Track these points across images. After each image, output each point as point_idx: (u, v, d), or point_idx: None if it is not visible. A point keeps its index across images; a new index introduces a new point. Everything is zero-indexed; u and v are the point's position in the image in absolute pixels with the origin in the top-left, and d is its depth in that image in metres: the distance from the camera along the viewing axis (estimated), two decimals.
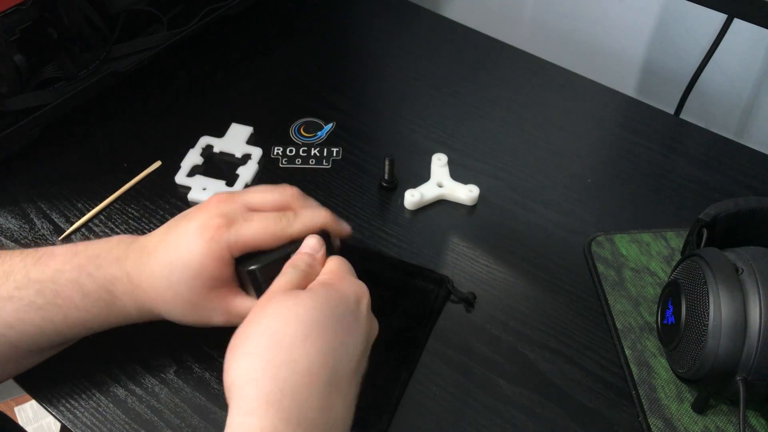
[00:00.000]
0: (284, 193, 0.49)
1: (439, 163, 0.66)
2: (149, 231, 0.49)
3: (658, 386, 0.51)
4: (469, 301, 0.56)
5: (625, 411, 0.50)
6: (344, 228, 0.51)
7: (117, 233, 0.60)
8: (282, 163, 0.67)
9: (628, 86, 0.89)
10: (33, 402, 1.34)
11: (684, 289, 0.48)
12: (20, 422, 1.32)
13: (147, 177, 0.65)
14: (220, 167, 0.66)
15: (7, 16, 0.59)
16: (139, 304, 0.46)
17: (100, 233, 0.60)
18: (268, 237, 0.46)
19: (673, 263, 0.58)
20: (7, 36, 0.59)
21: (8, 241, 0.59)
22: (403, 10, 0.86)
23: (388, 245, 0.60)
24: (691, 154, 0.69)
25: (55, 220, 0.61)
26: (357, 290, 0.44)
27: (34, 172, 0.65)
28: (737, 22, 0.69)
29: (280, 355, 0.39)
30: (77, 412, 0.49)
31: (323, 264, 0.46)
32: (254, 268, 0.45)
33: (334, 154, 0.68)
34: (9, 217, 0.61)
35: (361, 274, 0.57)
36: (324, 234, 0.48)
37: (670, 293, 0.51)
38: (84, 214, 0.61)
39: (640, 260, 0.59)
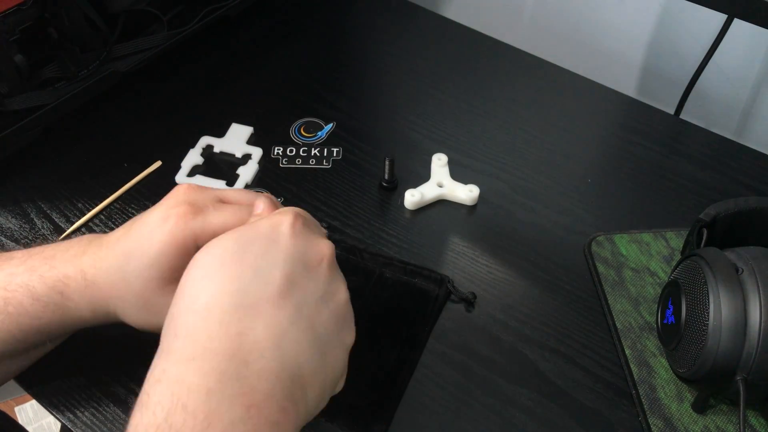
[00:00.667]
0: (258, 195, 0.47)
1: (439, 163, 0.66)
2: None
3: (658, 386, 0.51)
4: (469, 301, 0.56)
5: (625, 411, 0.50)
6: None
7: None
8: (282, 163, 0.67)
9: (628, 86, 0.89)
10: (33, 402, 1.34)
11: (684, 289, 0.48)
12: (20, 422, 1.32)
13: (147, 177, 0.65)
14: (221, 167, 0.66)
15: (7, 16, 0.59)
16: (92, 303, 0.44)
17: (101, 233, 0.60)
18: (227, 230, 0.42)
19: (673, 263, 0.58)
20: (8, 36, 0.59)
21: (9, 241, 0.59)
22: (403, 10, 0.87)
23: (388, 245, 0.60)
24: (691, 154, 0.69)
25: (56, 219, 0.61)
26: (276, 219, 0.41)
27: (34, 172, 0.65)
28: (737, 22, 0.69)
29: (181, 303, 0.38)
30: (77, 412, 0.48)
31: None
32: None
33: (335, 154, 0.68)
34: (9, 217, 0.61)
35: (362, 274, 0.57)
36: None
37: (670, 293, 0.51)
38: (84, 214, 0.61)
39: (640, 260, 0.59)
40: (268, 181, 0.65)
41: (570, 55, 0.85)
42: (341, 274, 0.43)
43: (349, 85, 0.76)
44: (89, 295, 0.44)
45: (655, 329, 0.53)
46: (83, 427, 0.48)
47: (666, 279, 0.56)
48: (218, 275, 0.38)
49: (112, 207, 0.62)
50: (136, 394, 0.49)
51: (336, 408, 0.49)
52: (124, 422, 0.48)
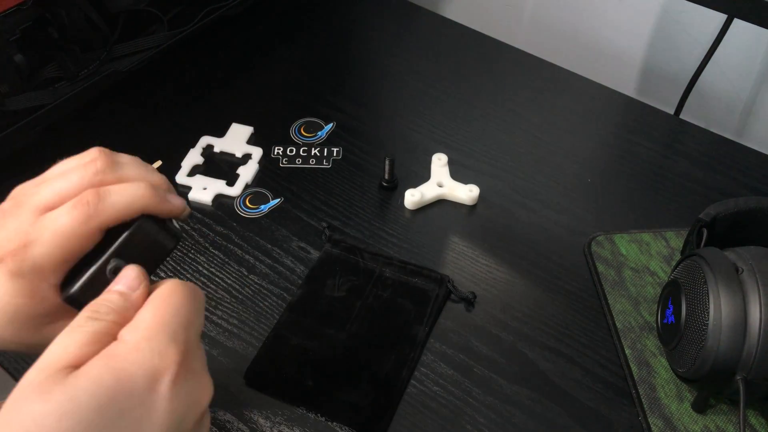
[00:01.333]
0: (86, 169, 0.36)
1: (439, 162, 0.66)
2: None
3: (658, 385, 0.51)
4: (469, 301, 0.56)
5: (625, 410, 0.50)
6: (175, 205, 0.38)
7: None
8: (282, 163, 0.67)
9: (628, 86, 0.89)
10: None
11: (684, 288, 0.48)
12: None
13: None
14: (221, 167, 0.66)
15: (7, 16, 0.59)
16: None
17: None
18: (70, 241, 0.34)
19: (673, 263, 0.58)
20: (8, 36, 0.59)
21: None
22: (403, 10, 0.87)
23: (388, 245, 0.60)
24: (691, 154, 0.69)
25: None
26: (156, 363, 0.30)
27: (34, 172, 0.65)
28: (737, 22, 0.69)
29: None
30: None
31: (140, 305, 0.33)
32: (71, 294, 0.34)
33: (335, 154, 0.68)
34: None
35: (362, 274, 0.57)
36: (147, 220, 0.35)
37: (670, 293, 0.51)
38: None
39: (640, 260, 0.59)
40: (268, 180, 0.65)
41: (570, 55, 0.85)
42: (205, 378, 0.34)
43: (349, 85, 0.76)
44: None
45: (655, 329, 0.53)
46: None
47: (666, 279, 0.56)
48: None
49: None
50: None
51: (336, 407, 0.49)
52: None
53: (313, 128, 0.70)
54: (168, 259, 0.51)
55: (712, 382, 0.47)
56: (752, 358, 0.44)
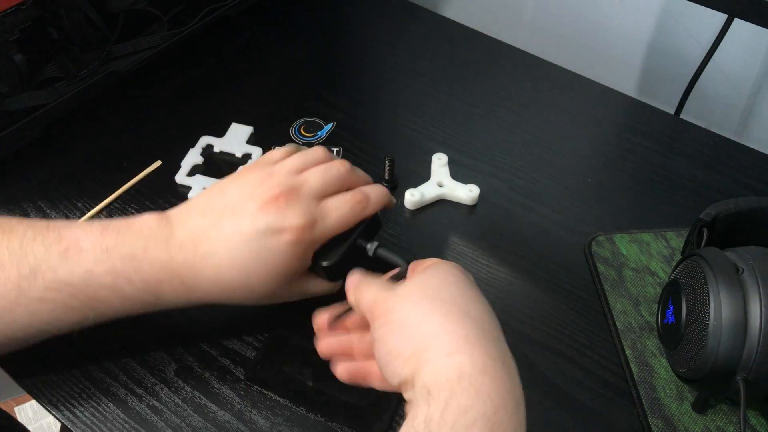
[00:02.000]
0: (339, 170, 0.48)
1: (439, 162, 0.66)
2: None
3: (659, 386, 0.51)
4: None
5: (625, 411, 0.50)
6: (394, 203, 0.53)
7: None
8: None
9: (628, 86, 0.89)
10: (33, 402, 1.34)
11: (684, 288, 0.48)
12: (20, 422, 1.32)
13: (147, 176, 0.65)
14: (221, 167, 0.66)
15: (7, 16, 0.59)
16: (191, 301, 0.46)
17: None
18: (347, 226, 0.47)
19: (673, 263, 0.57)
20: (7, 36, 0.59)
21: None
22: (403, 10, 0.86)
23: (388, 245, 0.60)
24: (691, 154, 0.69)
25: (56, 219, 0.61)
26: (442, 265, 0.44)
27: (34, 172, 0.65)
28: (737, 22, 0.69)
29: (455, 309, 0.40)
30: (77, 412, 0.48)
31: None
32: (329, 264, 0.47)
33: (335, 154, 0.68)
34: None
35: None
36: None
37: (671, 293, 0.51)
38: (84, 214, 0.61)
39: (640, 260, 0.59)
40: None
41: (570, 55, 0.85)
42: None
43: (349, 85, 0.76)
44: (189, 296, 0.46)
45: (655, 329, 0.53)
46: (83, 427, 0.48)
47: (666, 279, 0.56)
48: (476, 298, 0.42)
49: (112, 207, 0.62)
50: (135, 394, 0.49)
51: (336, 408, 0.49)
52: (124, 422, 0.48)
53: (313, 128, 0.70)
54: None
55: (712, 383, 0.47)
56: (752, 358, 0.44)
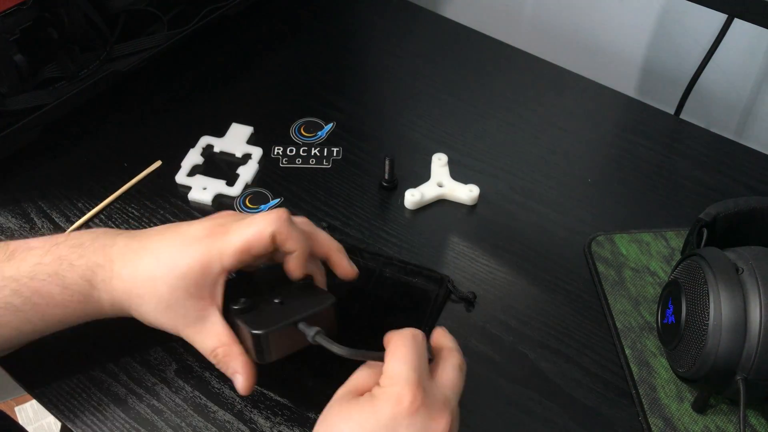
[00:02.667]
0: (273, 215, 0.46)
1: (439, 162, 0.66)
2: None
3: (658, 386, 0.51)
4: (469, 301, 0.56)
5: (625, 410, 0.50)
6: (355, 271, 0.50)
7: None
8: (282, 163, 0.67)
9: (628, 86, 0.89)
10: (33, 402, 1.34)
11: (684, 288, 0.48)
12: (20, 422, 1.32)
13: (147, 176, 0.65)
14: (221, 167, 0.66)
15: (7, 16, 0.59)
16: (113, 296, 0.45)
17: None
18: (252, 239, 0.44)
19: (673, 263, 0.58)
20: (7, 36, 0.59)
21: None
22: (403, 10, 0.87)
23: (388, 245, 0.60)
24: (691, 154, 0.69)
25: (56, 219, 0.61)
26: (395, 396, 0.39)
27: (34, 171, 0.65)
28: (737, 22, 0.69)
29: None
30: (77, 412, 0.48)
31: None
32: (262, 333, 0.43)
33: (335, 154, 0.68)
34: (9, 217, 0.61)
35: (362, 273, 0.57)
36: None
37: (670, 293, 0.51)
38: (84, 214, 0.61)
39: (640, 260, 0.59)
40: (268, 180, 0.65)
41: (570, 55, 0.85)
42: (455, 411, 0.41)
43: (349, 85, 0.76)
44: (112, 286, 0.45)
45: (655, 329, 0.53)
46: (83, 427, 0.48)
47: (666, 279, 0.56)
48: None
49: (112, 207, 0.62)
50: (136, 394, 0.49)
51: None
52: (124, 421, 0.48)
53: (313, 128, 0.70)
54: None
55: (712, 383, 0.47)
56: (752, 358, 0.44)
